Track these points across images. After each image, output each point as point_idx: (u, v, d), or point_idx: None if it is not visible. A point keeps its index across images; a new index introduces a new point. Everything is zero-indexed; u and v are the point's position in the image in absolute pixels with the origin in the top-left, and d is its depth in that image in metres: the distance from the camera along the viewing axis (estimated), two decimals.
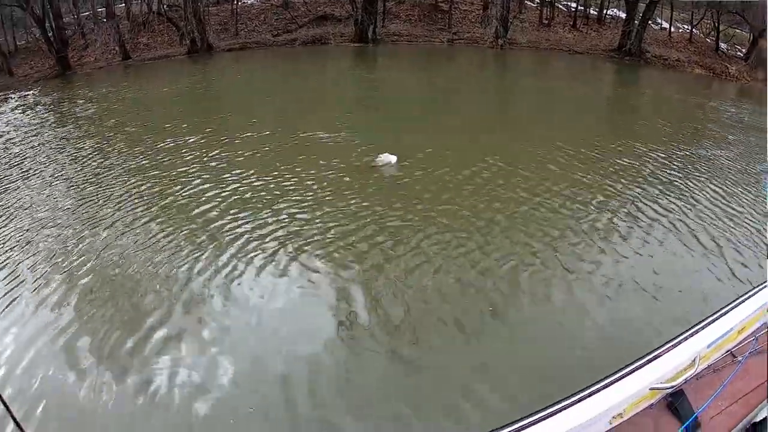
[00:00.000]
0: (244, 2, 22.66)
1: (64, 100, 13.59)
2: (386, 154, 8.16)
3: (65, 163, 8.91)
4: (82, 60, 18.31)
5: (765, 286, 3.00)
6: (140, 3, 20.72)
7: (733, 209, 7.56)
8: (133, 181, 7.90)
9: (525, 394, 3.96)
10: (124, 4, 20.29)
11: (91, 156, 9.08)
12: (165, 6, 20.33)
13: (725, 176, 8.93)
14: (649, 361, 2.25)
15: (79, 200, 7.42)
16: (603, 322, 5.05)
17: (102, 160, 8.85)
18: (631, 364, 2.23)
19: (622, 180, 8.26)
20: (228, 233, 6.29)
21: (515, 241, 6.22)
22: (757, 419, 2.55)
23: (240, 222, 6.54)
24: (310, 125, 9.87)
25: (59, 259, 5.94)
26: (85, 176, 8.23)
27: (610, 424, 2.08)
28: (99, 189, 7.69)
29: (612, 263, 5.96)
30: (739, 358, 2.60)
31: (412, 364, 4.42)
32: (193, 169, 8.14)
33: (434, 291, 5.28)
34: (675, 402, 2.25)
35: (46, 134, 10.64)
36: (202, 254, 5.87)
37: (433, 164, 8.21)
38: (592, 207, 7.28)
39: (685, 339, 2.43)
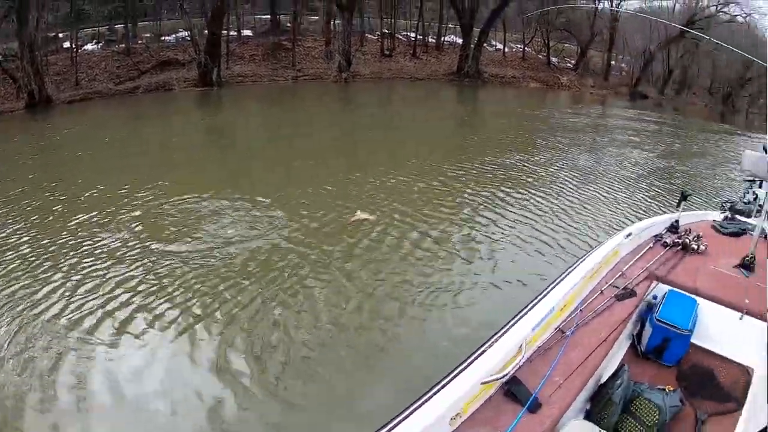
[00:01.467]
0: (84, 50, 21.70)
1: None
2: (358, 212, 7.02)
3: None
4: None
5: (580, 263, 3.21)
6: None
7: (563, 205, 8.07)
8: None
9: None
10: None
11: None
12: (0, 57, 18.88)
13: (552, 178, 9.50)
14: (477, 357, 2.27)
15: None
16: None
17: None
18: (461, 363, 2.24)
19: (467, 189, 8.58)
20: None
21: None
22: (603, 381, 2.75)
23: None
24: (161, 177, 8.54)
25: None
26: None
27: (451, 425, 2.05)
28: None
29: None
30: (567, 333, 2.69)
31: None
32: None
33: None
34: (512, 389, 2.29)
35: None
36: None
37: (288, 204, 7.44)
38: (439, 220, 7.26)
39: (510, 327, 2.49)
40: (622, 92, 28.83)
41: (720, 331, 3.07)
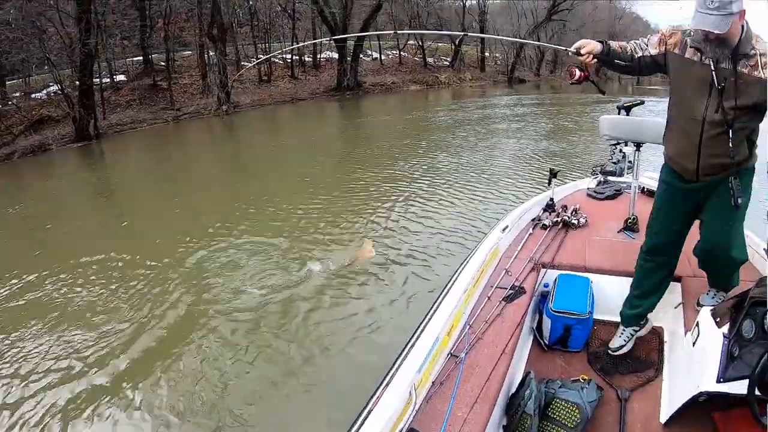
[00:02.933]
0: None
1: None
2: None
3: None
4: None
5: (459, 274, 2.85)
6: None
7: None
8: None
9: None
10: None
11: None
12: None
13: (432, 182, 9.29)
14: (363, 421, 1.90)
15: None
16: None
17: None
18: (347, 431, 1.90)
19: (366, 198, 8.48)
20: None
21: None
22: (514, 386, 2.50)
23: None
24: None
25: None
26: None
27: None
28: None
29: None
30: (460, 356, 2.37)
31: None
32: None
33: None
34: None
35: None
36: None
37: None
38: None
39: (393, 377, 2.11)
40: (500, 80, 30.34)
41: (620, 302, 2.90)
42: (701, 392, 2.12)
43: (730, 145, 2.20)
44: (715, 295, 2.76)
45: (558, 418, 2.38)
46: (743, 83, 2.12)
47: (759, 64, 2.09)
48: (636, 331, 2.85)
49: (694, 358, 2.28)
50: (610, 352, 2.82)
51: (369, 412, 1.92)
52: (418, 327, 2.43)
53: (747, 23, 2.09)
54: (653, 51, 2.35)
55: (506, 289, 2.92)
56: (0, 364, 4.60)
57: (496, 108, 19.82)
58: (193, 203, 9.29)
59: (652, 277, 2.73)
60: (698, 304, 2.75)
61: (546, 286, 3.15)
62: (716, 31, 2.00)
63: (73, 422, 3.81)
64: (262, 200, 8.85)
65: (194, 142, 18.13)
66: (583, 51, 2.36)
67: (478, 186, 8.71)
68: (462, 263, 3.09)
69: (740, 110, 2.17)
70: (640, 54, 2.38)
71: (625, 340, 2.81)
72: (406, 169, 10.29)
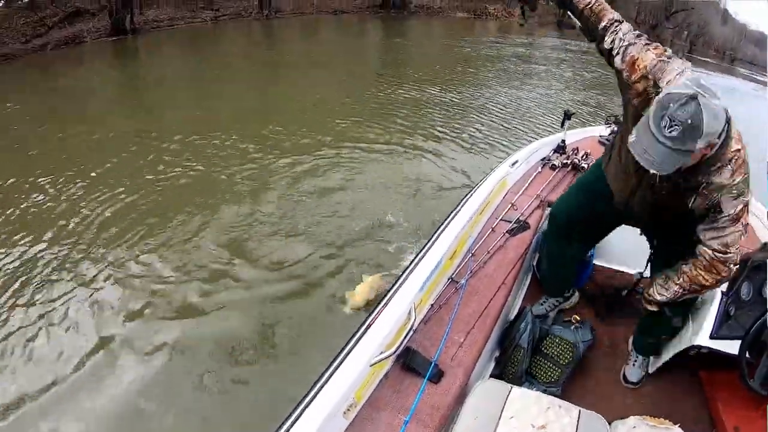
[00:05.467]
0: None
1: None
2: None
3: None
4: None
5: (466, 201, 2.82)
6: None
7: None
8: None
9: None
10: None
11: None
12: None
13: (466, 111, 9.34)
14: (363, 335, 1.95)
15: None
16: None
17: None
18: (345, 346, 1.94)
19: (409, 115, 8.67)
20: None
21: None
22: (510, 318, 2.59)
23: None
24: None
25: None
26: None
27: (346, 418, 1.80)
28: None
29: None
30: (461, 282, 2.40)
31: None
32: None
33: None
34: (408, 362, 2.01)
35: None
36: None
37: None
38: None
39: (393, 294, 2.13)
40: (549, 21, 28.80)
41: (622, 247, 2.93)
42: (693, 345, 2.17)
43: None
44: None
45: (550, 353, 2.48)
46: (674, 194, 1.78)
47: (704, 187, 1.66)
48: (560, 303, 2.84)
49: (691, 311, 2.31)
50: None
51: (368, 327, 1.97)
52: (422, 250, 2.44)
53: (719, 144, 1.57)
54: (618, 63, 1.83)
55: (511, 222, 2.94)
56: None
57: (539, 49, 19.04)
58: (222, 107, 9.32)
59: None
60: None
61: None
62: (655, 171, 1.52)
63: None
64: (292, 109, 8.97)
65: (231, 44, 17.78)
66: None
67: (495, 122, 8.67)
68: (469, 192, 3.06)
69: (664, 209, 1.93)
70: (606, 45, 1.90)
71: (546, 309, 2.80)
72: (434, 95, 10.23)
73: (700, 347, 2.16)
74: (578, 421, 1.77)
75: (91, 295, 4.20)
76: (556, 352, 2.48)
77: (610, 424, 1.83)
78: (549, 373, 2.44)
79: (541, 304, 2.76)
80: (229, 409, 3.23)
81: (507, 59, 15.58)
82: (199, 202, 5.54)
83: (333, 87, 10.85)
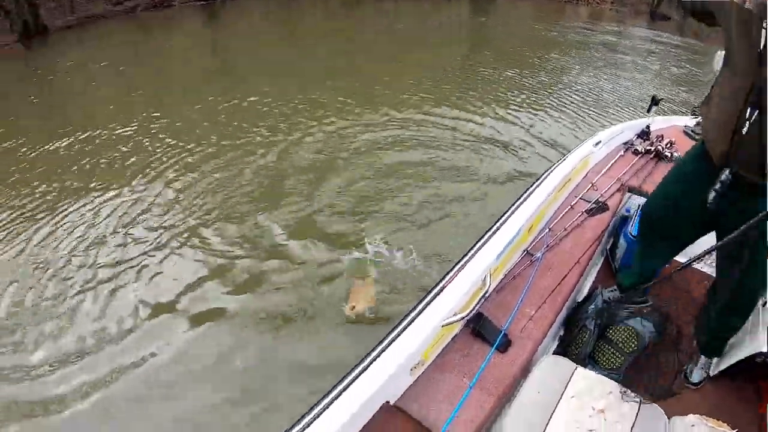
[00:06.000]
0: None
1: None
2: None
3: None
4: None
5: (547, 176, 2.81)
6: None
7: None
8: None
9: None
10: None
11: None
12: None
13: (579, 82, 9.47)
14: (437, 295, 1.97)
15: None
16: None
17: None
18: (418, 304, 1.96)
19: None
20: None
21: None
22: (579, 298, 2.57)
23: None
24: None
25: None
26: None
27: (412, 376, 1.84)
28: None
29: None
30: (536, 256, 2.42)
31: None
32: None
33: None
34: (478, 327, 2.03)
35: None
36: None
37: None
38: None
39: (472, 257, 2.14)
40: (643, 11, 27.32)
41: (698, 243, 2.90)
42: (760, 353, 2.11)
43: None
44: None
45: (615, 340, 2.47)
46: None
47: None
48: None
49: (762, 318, 2.24)
50: None
51: (442, 289, 2.01)
52: (499, 219, 2.43)
53: None
54: None
55: (590, 202, 2.91)
56: None
57: (629, 39, 18.06)
58: (309, 74, 9.43)
59: None
60: None
61: (628, 210, 3.10)
62: None
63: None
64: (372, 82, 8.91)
65: (325, 14, 17.71)
66: None
67: (569, 111, 8.38)
68: (551, 167, 3.02)
69: None
70: None
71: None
72: (511, 76, 10.04)
73: (765, 355, 2.09)
74: (638, 411, 1.77)
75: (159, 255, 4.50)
76: (621, 339, 2.47)
77: (668, 419, 1.82)
78: (611, 360, 2.44)
79: (611, 291, 2.69)
80: (293, 366, 3.38)
81: (593, 47, 14.99)
82: (306, 175, 5.67)
83: (412, 63, 10.77)
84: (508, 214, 2.45)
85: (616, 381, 1.95)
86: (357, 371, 1.71)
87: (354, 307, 3.70)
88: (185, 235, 4.70)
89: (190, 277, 4.18)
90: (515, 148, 6.49)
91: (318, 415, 1.57)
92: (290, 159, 6.00)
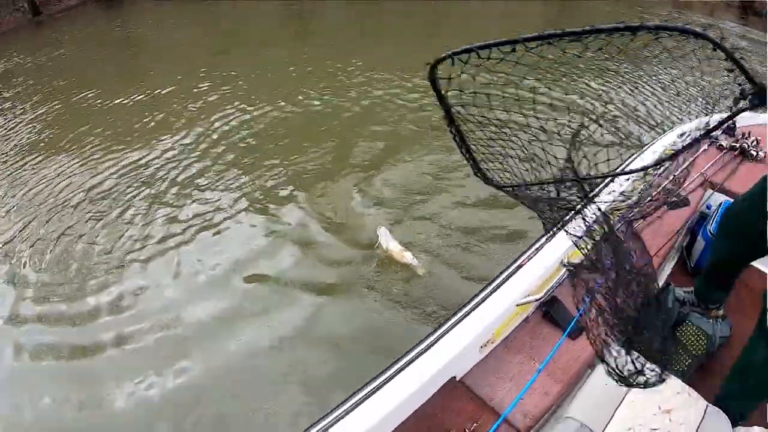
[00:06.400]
0: None
1: None
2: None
3: None
4: None
5: (629, 164, 2.81)
6: None
7: None
8: None
9: None
10: None
11: None
12: None
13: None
14: (512, 274, 1.97)
15: None
16: None
17: None
18: (493, 281, 1.96)
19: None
20: None
21: None
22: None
23: None
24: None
25: None
26: None
27: (481, 353, 1.84)
28: None
29: None
30: None
31: None
32: None
33: None
34: (551, 311, 2.02)
35: None
36: None
37: None
38: None
39: (550, 239, 2.14)
40: (735, 4, 25.56)
41: None
42: None
43: None
44: None
45: (684, 341, 2.39)
46: None
47: None
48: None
49: None
50: None
51: (518, 268, 2.01)
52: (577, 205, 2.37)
53: None
54: None
55: (671, 194, 2.80)
56: None
57: (716, 31, 16.86)
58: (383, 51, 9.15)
59: None
60: None
61: (708, 207, 2.96)
62: None
63: None
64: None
65: None
66: None
67: (642, 104, 8.03)
68: (634, 156, 2.94)
69: None
70: None
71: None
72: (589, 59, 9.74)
73: None
74: (704, 415, 1.71)
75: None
76: (690, 341, 2.38)
77: (733, 428, 1.75)
78: (678, 360, 2.35)
79: (687, 293, 2.57)
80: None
81: (677, 37, 13.97)
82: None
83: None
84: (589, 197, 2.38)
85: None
86: (426, 343, 1.72)
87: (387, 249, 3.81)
88: (252, 198, 4.83)
89: (257, 240, 4.29)
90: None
91: (387, 381, 1.61)
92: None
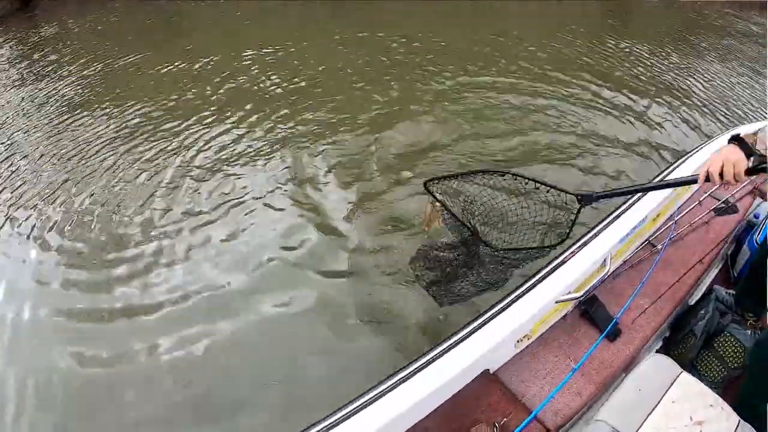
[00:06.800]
0: None
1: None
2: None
3: None
4: None
5: (677, 166, 2.66)
6: None
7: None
8: None
9: None
10: None
11: None
12: None
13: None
14: (553, 270, 1.94)
15: None
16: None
17: None
18: (533, 276, 1.94)
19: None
20: None
21: None
22: (691, 302, 2.42)
23: None
24: None
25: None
26: None
27: (516, 348, 1.84)
28: None
29: None
30: (659, 247, 2.32)
31: None
32: None
33: None
34: (590, 310, 2.00)
35: None
36: None
37: None
38: None
39: (593, 237, 2.08)
40: None
41: None
42: None
43: None
44: None
45: (721, 352, 2.34)
46: None
47: None
48: None
49: None
50: None
51: (559, 264, 1.98)
52: (624, 203, 2.32)
53: None
54: None
55: (719, 201, 2.75)
56: None
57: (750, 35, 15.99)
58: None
59: None
60: None
61: (756, 216, 2.87)
62: None
63: None
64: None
65: None
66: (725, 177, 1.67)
67: (700, 97, 7.75)
68: (682, 157, 2.83)
69: None
70: None
71: None
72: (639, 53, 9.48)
73: None
74: (736, 430, 1.67)
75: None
76: (727, 353, 2.33)
77: None
78: (714, 371, 2.31)
79: (727, 293, 2.51)
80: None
81: (734, 35, 13.38)
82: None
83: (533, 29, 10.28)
84: (633, 199, 2.32)
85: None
86: (462, 334, 1.72)
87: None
88: (297, 180, 4.85)
89: (291, 223, 4.32)
90: (653, 125, 6.26)
91: (422, 368, 1.62)
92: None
